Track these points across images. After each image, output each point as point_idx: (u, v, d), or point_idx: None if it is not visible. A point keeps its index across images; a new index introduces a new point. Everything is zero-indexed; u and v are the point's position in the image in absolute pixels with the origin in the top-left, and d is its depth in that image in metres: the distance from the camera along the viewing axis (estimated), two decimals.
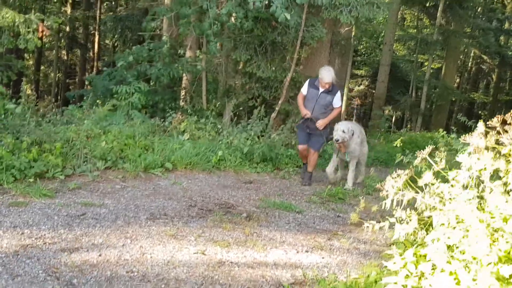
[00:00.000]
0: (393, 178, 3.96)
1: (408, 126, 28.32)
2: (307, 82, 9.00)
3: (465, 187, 3.64)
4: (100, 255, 4.85)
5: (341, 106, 9.10)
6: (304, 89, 8.95)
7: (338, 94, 8.78)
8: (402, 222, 3.83)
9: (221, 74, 12.68)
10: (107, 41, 33.49)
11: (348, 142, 8.71)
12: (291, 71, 11.90)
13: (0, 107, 6.56)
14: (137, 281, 4.42)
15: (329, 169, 9.21)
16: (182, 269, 4.74)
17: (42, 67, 32.35)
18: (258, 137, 10.65)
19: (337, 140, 8.51)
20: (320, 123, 8.65)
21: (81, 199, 6.47)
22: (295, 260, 5.24)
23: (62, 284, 4.21)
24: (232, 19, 10.76)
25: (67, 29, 30.67)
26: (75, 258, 4.73)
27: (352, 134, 8.72)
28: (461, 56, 30.73)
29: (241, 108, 12.77)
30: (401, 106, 25.16)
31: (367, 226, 4.03)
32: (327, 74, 8.54)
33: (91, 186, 7.09)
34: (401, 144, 6.78)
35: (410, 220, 3.80)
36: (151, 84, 12.95)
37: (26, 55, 29.58)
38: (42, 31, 10.88)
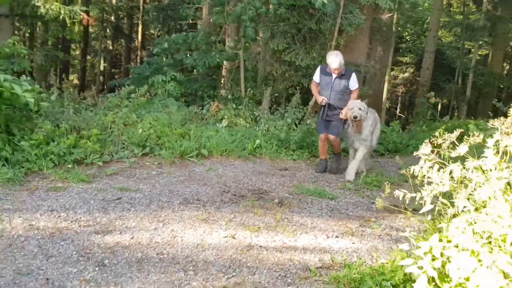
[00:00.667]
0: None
1: (455, 114, 27.78)
2: (318, 69, 8.47)
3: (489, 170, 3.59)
4: (132, 238, 4.97)
5: (358, 87, 8.43)
6: (316, 77, 8.46)
7: (353, 76, 8.24)
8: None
9: (260, 62, 12.71)
10: (152, 31, 33.87)
11: (363, 124, 8.17)
12: None
13: (34, 102, 6.72)
14: (167, 262, 4.52)
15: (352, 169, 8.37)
16: (211, 252, 4.83)
17: (88, 57, 32.94)
18: (296, 124, 10.65)
19: (355, 117, 7.92)
20: (344, 113, 8.13)
21: (117, 184, 6.62)
22: (324, 245, 5.26)
23: (93, 265, 4.35)
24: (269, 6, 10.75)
25: (112, 19, 31.20)
26: (108, 240, 4.87)
27: (367, 113, 8.15)
28: (510, 42, 29.88)
29: (277, 95, 12.78)
30: (446, 94, 24.68)
31: (398, 193, 4.02)
32: (334, 59, 7.99)
33: (127, 172, 7.25)
34: (444, 132, 6.67)
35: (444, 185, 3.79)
36: (192, 72, 13.07)
37: (73, 45, 30.30)
38: (87, 21, 11.14)
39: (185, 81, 12.63)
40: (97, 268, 4.29)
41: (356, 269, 4.46)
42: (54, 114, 8.15)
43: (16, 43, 7.42)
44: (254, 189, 7.03)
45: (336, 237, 5.52)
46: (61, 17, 10.67)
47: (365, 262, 4.72)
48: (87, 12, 11.16)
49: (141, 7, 28.79)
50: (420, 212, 3.95)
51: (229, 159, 8.63)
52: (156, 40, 14.24)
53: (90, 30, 29.43)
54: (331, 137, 8.45)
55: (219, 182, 7.19)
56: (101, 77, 33.33)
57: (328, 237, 5.48)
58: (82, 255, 4.50)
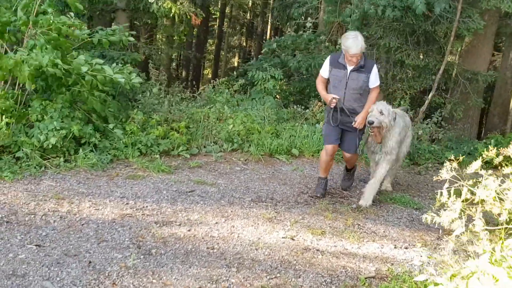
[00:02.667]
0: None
1: None
2: (327, 60, 6.27)
3: None
4: (189, 230, 4.96)
5: (379, 85, 6.24)
6: (324, 71, 6.26)
7: (375, 69, 6.11)
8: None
9: None
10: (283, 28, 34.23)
11: (385, 133, 6.23)
12: (443, 63, 11.17)
13: (125, 82, 6.94)
14: (214, 257, 4.46)
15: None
16: (263, 251, 4.69)
17: (222, 53, 33.90)
18: None
19: (371, 123, 5.97)
20: (360, 121, 6.10)
21: (196, 177, 6.67)
22: (388, 255, 4.93)
23: (141, 252, 4.38)
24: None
25: (248, 16, 31.97)
26: (164, 230, 4.90)
27: (394, 119, 6.21)
28: None
29: (387, 97, 12.30)
30: None
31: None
32: (354, 43, 5.81)
33: (211, 166, 7.29)
34: None
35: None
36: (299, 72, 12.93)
37: (210, 41, 31.41)
38: (195, 22, 11.44)
39: (295, 81, 12.54)
40: (142, 256, 4.31)
41: (410, 282, 4.13)
42: (149, 105, 8.39)
43: (118, 32, 7.69)
44: (335, 193, 6.78)
45: (405, 248, 5.15)
46: (171, 15, 11.05)
47: (431, 278, 4.34)
48: (197, 13, 11.45)
49: (270, 4, 29.13)
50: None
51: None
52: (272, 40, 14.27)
53: (225, 27, 30.33)
54: (347, 155, 6.53)
55: (300, 183, 7.01)
56: (235, 72, 34.22)
57: (395, 247, 5.14)
58: (133, 243, 4.56)
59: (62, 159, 6.38)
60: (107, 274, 3.96)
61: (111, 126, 7.13)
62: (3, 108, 6.30)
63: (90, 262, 4.12)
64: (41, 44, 6.42)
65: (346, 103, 6.10)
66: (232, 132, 8.14)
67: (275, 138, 8.44)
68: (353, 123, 6.07)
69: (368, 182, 6.48)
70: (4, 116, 6.27)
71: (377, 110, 6.00)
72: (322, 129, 6.93)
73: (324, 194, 6.54)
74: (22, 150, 6.23)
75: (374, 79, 6.08)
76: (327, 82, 6.30)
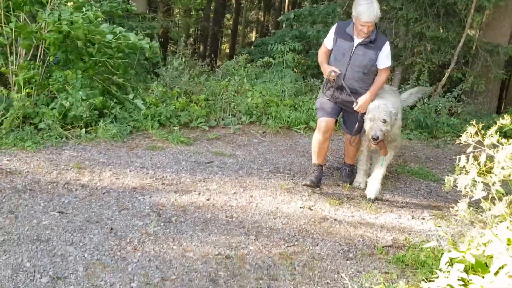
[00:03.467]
0: None
1: None
2: (333, 28, 5.42)
3: None
4: (208, 199, 5.03)
5: (390, 66, 5.40)
6: (328, 40, 5.42)
7: (387, 46, 5.22)
8: None
9: (389, 35, 12.20)
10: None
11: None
12: (463, 35, 11.04)
13: (150, 47, 6.99)
14: (232, 225, 4.52)
15: (360, 177, 5.93)
16: (281, 220, 4.75)
17: (240, 27, 33.76)
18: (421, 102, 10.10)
19: (376, 138, 5.17)
20: (362, 104, 5.27)
21: (214, 148, 6.73)
22: (406, 225, 4.96)
23: (161, 220, 4.46)
24: None
25: None
26: (184, 199, 4.97)
27: (396, 115, 5.33)
28: None
29: (405, 70, 12.22)
30: None
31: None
32: (367, 8, 4.96)
33: (229, 138, 7.34)
34: None
35: None
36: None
37: (227, 15, 31.31)
38: None
39: (313, 54, 12.48)
40: (162, 224, 4.39)
41: (427, 251, 4.17)
42: (169, 78, 8.43)
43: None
44: (354, 164, 6.79)
45: (422, 219, 5.18)
46: None
47: (440, 246, 4.37)
48: None
49: None
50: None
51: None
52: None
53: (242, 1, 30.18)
54: (348, 136, 5.76)
55: None
56: (252, 47, 34.09)
57: (413, 218, 5.16)
58: (153, 211, 4.63)
59: (83, 130, 6.46)
60: (128, 240, 4.04)
61: (131, 96, 7.20)
62: (26, 79, 6.37)
63: (112, 228, 4.20)
64: (65, 12, 6.46)
65: (347, 81, 5.26)
66: (250, 105, 8.16)
67: (293, 111, 8.45)
68: (354, 105, 5.28)
69: (374, 173, 5.60)
70: (26, 87, 6.34)
71: (380, 119, 5.13)
72: (316, 103, 5.77)
73: (317, 184, 5.45)
74: (44, 121, 6.31)
75: (384, 59, 5.21)
76: (330, 53, 5.44)
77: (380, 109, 5.14)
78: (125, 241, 4.02)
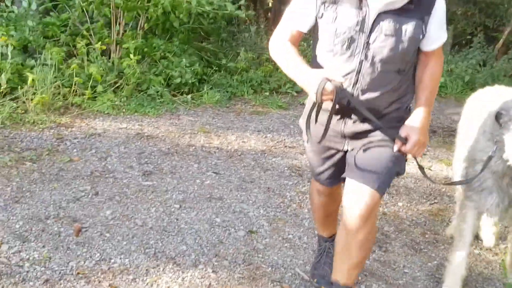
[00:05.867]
0: None
1: None
2: None
3: None
4: None
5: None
6: (300, 10, 2.47)
7: (440, 6, 2.37)
8: None
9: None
10: None
11: None
12: None
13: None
14: None
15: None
16: (410, 179, 5.06)
17: None
18: (480, 65, 10.31)
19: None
20: (417, 141, 2.44)
21: None
22: None
23: (305, 180, 4.77)
24: None
25: None
26: None
27: None
28: None
29: (460, 35, 12.37)
30: None
31: None
32: None
33: None
34: None
35: None
36: None
37: None
38: None
39: None
40: (307, 183, 4.70)
41: None
42: (253, 44, 8.69)
43: None
44: (444, 127, 7.09)
45: None
46: None
47: None
48: None
49: None
50: None
51: None
52: None
53: None
54: (365, 191, 2.47)
55: None
56: None
57: None
58: (293, 171, 4.95)
59: (189, 96, 6.75)
60: (289, 198, 4.37)
61: (223, 62, 7.50)
62: (134, 47, 6.64)
63: (268, 188, 4.53)
64: None
65: (362, 93, 2.43)
66: None
67: None
68: (396, 145, 2.48)
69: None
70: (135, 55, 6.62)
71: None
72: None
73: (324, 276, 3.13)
74: (152, 87, 6.60)
75: (438, 31, 2.43)
76: (300, 37, 2.55)
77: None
78: (287, 199, 4.35)
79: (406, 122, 2.48)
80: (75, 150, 4.84)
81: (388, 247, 3.76)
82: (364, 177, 2.48)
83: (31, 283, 2.91)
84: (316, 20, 2.43)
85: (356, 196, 2.49)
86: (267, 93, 7.46)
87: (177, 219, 3.82)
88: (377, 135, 2.51)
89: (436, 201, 4.64)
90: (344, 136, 2.59)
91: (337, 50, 2.38)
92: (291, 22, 2.49)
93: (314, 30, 2.49)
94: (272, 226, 3.86)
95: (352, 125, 2.53)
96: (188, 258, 3.34)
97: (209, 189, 4.37)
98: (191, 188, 4.35)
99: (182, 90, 6.83)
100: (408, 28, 2.31)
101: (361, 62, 2.36)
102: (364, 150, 2.54)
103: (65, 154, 4.72)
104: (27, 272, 3.01)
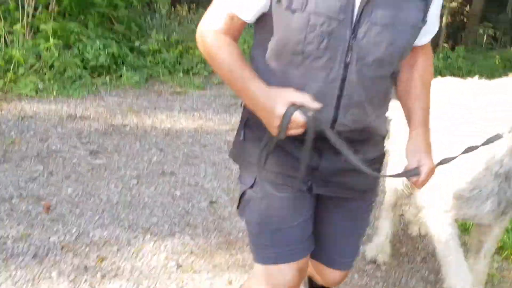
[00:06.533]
0: None
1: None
2: None
3: None
4: None
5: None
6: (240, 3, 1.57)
7: None
8: None
9: None
10: None
11: None
12: None
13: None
14: None
15: None
16: None
17: None
18: None
19: None
20: (430, 171, 1.73)
21: (228, 91, 7.23)
22: None
23: None
24: None
25: None
26: None
27: None
28: None
29: None
30: (497, 24, 24.47)
31: None
32: None
33: None
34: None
35: None
36: None
37: None
38: None
39: None
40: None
41: None
42: (160, 26, 8.76)
43: None
44: None
45: None
46: None
47: None
48: None
49: None
50: None
51: None
52: None
53: None
54: (333, 273, 2.06)
55: None
56: None
57: None
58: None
59: (107, 77, 6.74)
60: (236, 171, 4.54)
61: (136, 44, 7.53)
62: (52, 30, 6.51)
63: (213, 162, 4.73)
64: None
65: (346, 111, 1.63)
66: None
67: None
68: (414, 176, 1.74)
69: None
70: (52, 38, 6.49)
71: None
72: (245, 210, 1.89)
73: None
74: (69, 69, 6.51)
75: (434, 18, 1.69)
76: (239, 32, 1.66)
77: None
78: (235, 171, 4.54)
79: (411, 148, 1.78)
80: (12, 132, 4.76)
81: None
82: (339, 265, 2.04)
83: (20, 258, 2.95)
84: (270, 5, 1.55)
85: (327, 278, 2.09)
86: (181, 74, 7.59)
87: (139, 194, 3.93)
88: (359, 187, 1.85)
89: None
90: (322, 176, 1.76)
91: (309, 52, 1.54)
92: (230, 4, 1.59)
93: (262, 22, 1.62)
94: (230, 196, 4.08)
95: (331, 161, 1.71)
96: (163, 228, 3.49)
97: (159, 165, 4.50)
98: (142, 165, 4.46)
99: (99, 72, 6.79)
100: (410, 14, 1.58)
101: (346, 67, 1.56)
102: (339, 228, 1.96)
103: (3, 136, 4.63)
104: (12, 248, 3.03)
